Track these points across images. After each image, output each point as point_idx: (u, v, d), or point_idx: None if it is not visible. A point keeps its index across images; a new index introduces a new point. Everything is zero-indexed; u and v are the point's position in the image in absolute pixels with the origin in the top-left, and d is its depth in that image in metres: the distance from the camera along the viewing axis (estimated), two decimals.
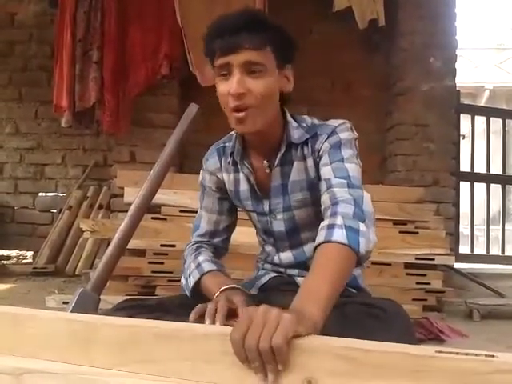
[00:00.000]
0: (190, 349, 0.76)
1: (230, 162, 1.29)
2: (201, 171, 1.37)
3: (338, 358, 0.69)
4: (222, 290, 1.10)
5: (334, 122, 1.22)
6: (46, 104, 3.88)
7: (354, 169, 1.14)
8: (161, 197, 2.18)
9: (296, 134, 1.22)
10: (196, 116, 1.28)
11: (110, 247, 1.19)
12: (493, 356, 0.68)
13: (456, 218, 3.78)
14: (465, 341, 2.02)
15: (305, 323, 0.74)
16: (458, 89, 3.78)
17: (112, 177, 3.64)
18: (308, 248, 1.30)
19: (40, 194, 4.35)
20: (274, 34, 1.13)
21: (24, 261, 4.33)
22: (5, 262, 3.99)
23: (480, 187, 4.13)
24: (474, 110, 4.20)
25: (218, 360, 0.74)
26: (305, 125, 1.25)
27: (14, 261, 4.27)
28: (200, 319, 0.98)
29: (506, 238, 4.24)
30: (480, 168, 4.14)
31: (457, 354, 0.70)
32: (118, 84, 3.33)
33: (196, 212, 2.35)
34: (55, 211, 4.23)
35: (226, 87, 1.10)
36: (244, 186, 1.29)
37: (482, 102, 12.53)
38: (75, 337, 0.84)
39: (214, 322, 0.96)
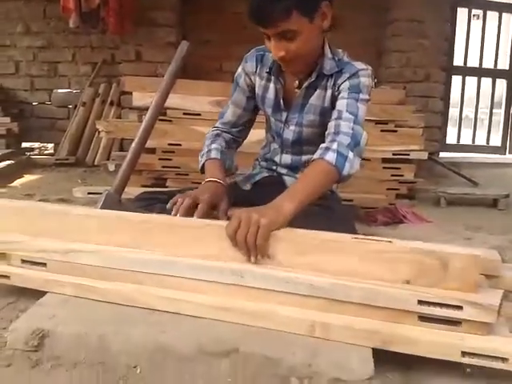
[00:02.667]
0: (189, 236, 1.13)
1: (266, 72, 1.51)
2: (239, 68, 1.59)
3: (288, 241, 1.08)
4: (206, 181, 1.41)
5: (358, 65, 1.42)
6: (54, 3, 3.94)
7: (362, 110, 1.37)
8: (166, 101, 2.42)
9: (329, 65, 1.43)
10: (187, 52, 1.49)
11: (127, 158, 1.47)
12: (391, 241, 1.04)
13: (445, 112, 4.00)
14: (424, 224, 2.39)
15: (278, 220, 1.08)
16: None
17: (121, 74, 3.84)
18: (305, 158, 1.59)
19: (55, 90, 4.54)
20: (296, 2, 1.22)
21: (46, 152, 4.65)
22: (29, 153, 4.32)
23: (472, 81, 4.25)
24: (471, 3, 4.17)
25: (207, 243, 1.11)
26: (337, 58, 1.44)
27: (37, 152, 4.60)
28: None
29: (492, 127, 4.44)
30: (473, 62, 4.22)
31: (368, 240, 1.06)
32: None
33: (198, 115, 2.64)
34: (71, 106, 4.46)
35: (269, 45, 1.32)
36: (270, 96, 1.54)
37: None
38: (105, 227, 1.20)
39: (176, 214, 1.26)
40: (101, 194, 1.37)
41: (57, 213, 1.28)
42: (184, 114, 2.62)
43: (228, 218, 1.25)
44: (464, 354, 0.95)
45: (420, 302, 0.97)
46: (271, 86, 1.52)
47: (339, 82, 1.41)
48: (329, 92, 1.45)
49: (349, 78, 1.39)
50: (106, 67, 4.39)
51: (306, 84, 1.45)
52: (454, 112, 4.44)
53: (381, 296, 0.99)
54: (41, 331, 1.03)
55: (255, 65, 1.54)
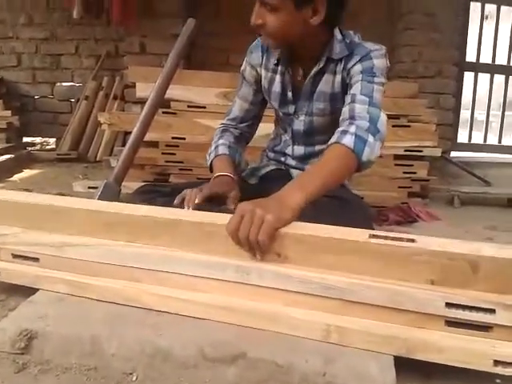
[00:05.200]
0: (187, 231, 1.03)
1: (274, 64, 1.43)
2: (244, 61, 1.52)
3: (298, 239, 0.96)
4: (215, 177, 1.34)
5: (370, 46, 1.32)
6: None
7: (378, 91, 1.26)
8: (170, 92, 2.33)
9: (338, 48, 1.33)
10: (194, 31, 1.41)
11: (128, 145, 1.40)
12: (413, 240, 0.93)
13: (456, 109, 3.89)
14: (439, 223, 2.29)
15: (284, 216, 0.96)
16: None
17: (125, 67, 3.75)
18: (318, 148, 1.50)
19: (57, 83, 4.46)
20: None
21: (48, 147, 4.58)
22: (30, 148, 4.24)
23: (484, 77, 4.13)
24: None
25: (212, 238, 1.02)
26: (348, 41, 1.34)
27: (38, 147, 4.52)
28: (182, 203, 1.22)
29: (504, 127, 4.32)
30: (486, 58, 4.10)
31: (385, 238, 0.95)
32: None
33: (203, 107, 2.55)
34: (73, 100, 4.38)
35: None
36: (276, 88, 1.46)
37: None
38: (102, 220, 1.10)
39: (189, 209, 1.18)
40: None
41: (51, 204, 1.18)
42: (188, 106, 2.53)
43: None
44: (497, 362, 0.85)
45: (447, 305, 0.87)
46: (277, 78, 1.44)
47: (350, 65, 1.31)
48: (338, 77, 1.36)
49: (360, 61, 1.29)
50: (110, 60, 4.30)
51: (314, 71, 1.36)
52: (464, 114, 4.33)
53: (403, 297, 0.90)
54: (29, 332, 0.95)
55: (261, 55, 1.46)
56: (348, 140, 1.13)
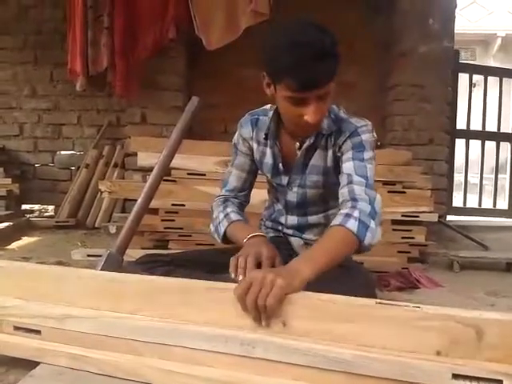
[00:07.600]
0: (194, 299, 1.03)
1: (262, 137, 1.48)
2: (236, 134, 1.57)
3: (304, 306, 0.97)
4: (250, 237, 1.32)
5: (357, 122, 1.39)
6: (61, 66, 4.06)
7: (371, 170, 1.33)
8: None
9: (326, 124, 1.39)
10: (197, 107, 1.47)
11: (131, 215, 1.41)
12: (418, 307, 0.94)
13: (450, 174, 3.97)
14: (440, 289, 2.28)
15: (294, 283, 0.99)
16: (456, 48, 3.87)
17: (125, 136, 3.86)
18: (310, 219, 1.54)
19: (58, 152, 4.56)
20: (337, 60, 1.21)
21: (46, 214, 4.58)
22: (29, 215, 4.26)
23: (476, 144, 4.26)
24: (472, 69, 4.28)
25: (215, 308, 1.02)
26: (333, 116, 1.41)
27: (37, 214, 4.54)
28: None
29: (498, 191, 4.40)
30: (476, 125, 4.25)
31: (392, 305, 0.96)
32: (128, 49, 3.47)
33: (203, 175, 2.60)
34: (73, 168, 4.46)
35: (300, 111, 1.23)
36: (268, 160, 1.51)
37: (494, 50, 12.27)
38: (105, 290, 1.10)
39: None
40: (100, 256, 1.30)
41: (54, 275, 1.19)
42: (188, 174, 2.58)
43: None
44: None
45: (454, 376, 0.87)
46: (268, 150, 1.50)
47: (339, 141, 1.38)
48: (330, 152, 1.42)
49: (349, 137, 1.36)
50: (111, 129, 4.42)
51: (306, 145, 1.42)
52: (458, 177, 4.43)
53: (410, 369, 0.89)
54: None
55: (251, 129, 1.52)
56: (352, 224, 1.18)
